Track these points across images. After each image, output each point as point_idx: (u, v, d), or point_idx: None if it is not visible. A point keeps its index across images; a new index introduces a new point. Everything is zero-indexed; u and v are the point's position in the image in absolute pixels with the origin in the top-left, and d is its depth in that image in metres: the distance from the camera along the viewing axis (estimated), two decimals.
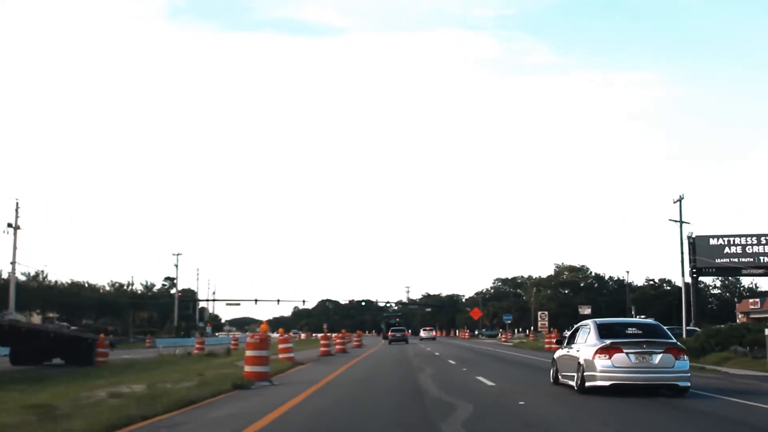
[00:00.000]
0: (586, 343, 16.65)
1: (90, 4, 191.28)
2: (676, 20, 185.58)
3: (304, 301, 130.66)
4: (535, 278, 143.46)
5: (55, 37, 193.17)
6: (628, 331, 16.56)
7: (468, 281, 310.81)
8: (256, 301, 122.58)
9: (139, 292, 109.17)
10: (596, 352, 15.82)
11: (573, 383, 16.80)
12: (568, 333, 20.21)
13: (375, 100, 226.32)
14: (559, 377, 18.36)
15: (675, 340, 16.61)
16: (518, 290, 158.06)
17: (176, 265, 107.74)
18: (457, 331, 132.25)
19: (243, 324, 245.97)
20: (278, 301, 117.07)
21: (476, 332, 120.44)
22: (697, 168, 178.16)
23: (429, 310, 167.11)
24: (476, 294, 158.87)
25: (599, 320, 17.83)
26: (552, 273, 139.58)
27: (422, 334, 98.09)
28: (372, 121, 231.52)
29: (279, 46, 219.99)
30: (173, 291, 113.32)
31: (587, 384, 15.93)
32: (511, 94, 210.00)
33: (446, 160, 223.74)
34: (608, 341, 15.93)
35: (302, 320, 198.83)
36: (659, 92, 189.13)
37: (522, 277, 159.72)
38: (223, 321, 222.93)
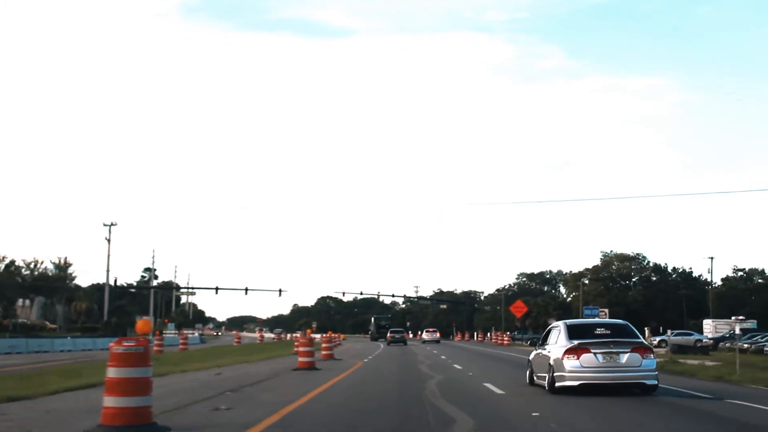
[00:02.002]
0: (556, 344, 17.11)
1: (103, 2, 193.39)
2: (684, 25, 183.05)
3: (280, 291, 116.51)
4: (572, 271, 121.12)
5: (61, 35, 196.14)
6: (597, 332, 17.00)
7: (486, 277, 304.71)
8: (216, 290, 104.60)
9: (51, 274, 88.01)
10: (565, 353, 16.26)
11: (545, 383, 17.19)
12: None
13: (386, 101, 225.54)
14: (534, 378, 18.80)
15: (642, 340, 16.98)
16: (546, 287, 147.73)
17: (108, 240, 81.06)
18: (486, 335, 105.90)
19: (241, 323, 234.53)
20: (246, 290, 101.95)
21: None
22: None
23: (444, 306, 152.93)
24: (497, 290, 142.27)
25: (569, 321, 18.27)
26: (598, 263, 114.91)
27: (425, 336, 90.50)
28: (382, 120, 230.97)
29: (290, 47, 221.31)
30: (154, 283, 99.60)
31: (557, 384, 16.37)
32: (524, 97, 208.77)
33: (457, 160, 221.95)
34: (576, 342, 16.38)
35: (301, 318, 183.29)
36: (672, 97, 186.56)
37: (550, 271, 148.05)
38: (222, 319, 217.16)
